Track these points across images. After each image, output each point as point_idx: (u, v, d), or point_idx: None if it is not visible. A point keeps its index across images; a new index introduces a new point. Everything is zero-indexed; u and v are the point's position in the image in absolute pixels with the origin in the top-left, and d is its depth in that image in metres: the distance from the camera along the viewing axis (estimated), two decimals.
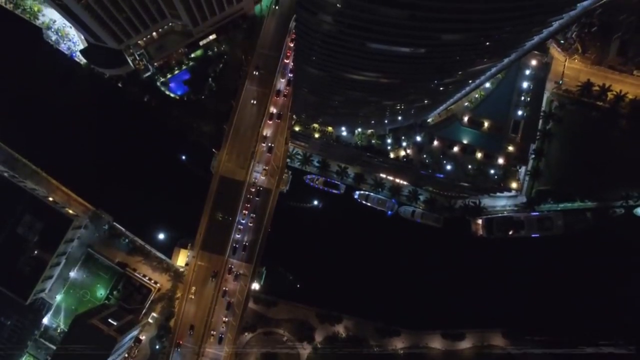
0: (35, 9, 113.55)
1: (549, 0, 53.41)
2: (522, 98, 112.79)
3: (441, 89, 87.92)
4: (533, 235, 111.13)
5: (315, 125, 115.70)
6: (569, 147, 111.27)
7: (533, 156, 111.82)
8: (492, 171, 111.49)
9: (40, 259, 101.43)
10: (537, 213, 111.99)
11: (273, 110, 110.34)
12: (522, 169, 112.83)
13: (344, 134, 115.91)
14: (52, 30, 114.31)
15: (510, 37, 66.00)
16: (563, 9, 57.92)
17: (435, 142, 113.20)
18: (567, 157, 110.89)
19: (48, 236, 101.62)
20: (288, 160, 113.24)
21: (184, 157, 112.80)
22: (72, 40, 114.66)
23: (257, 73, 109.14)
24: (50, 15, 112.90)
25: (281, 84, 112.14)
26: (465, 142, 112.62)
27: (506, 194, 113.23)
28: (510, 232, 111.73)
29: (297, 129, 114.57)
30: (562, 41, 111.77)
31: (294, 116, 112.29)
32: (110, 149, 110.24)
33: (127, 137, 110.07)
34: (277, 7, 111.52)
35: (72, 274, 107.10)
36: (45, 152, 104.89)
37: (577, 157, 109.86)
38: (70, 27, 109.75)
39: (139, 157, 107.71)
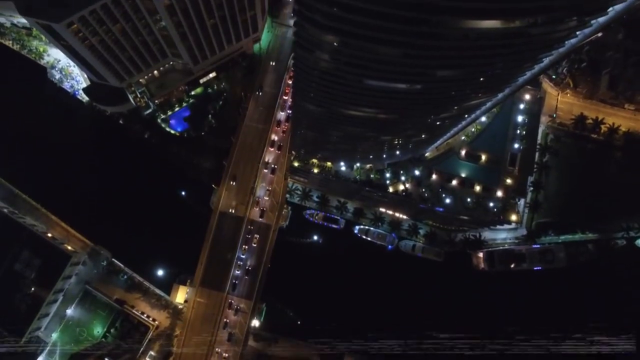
0: (41, 49, 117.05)
1: (538, 38, 55.07)
2: (518, 131, 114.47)
3: (438, 123, 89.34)
4: (535, 268, 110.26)
5: (314, 161, 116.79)
6: (567, 179, 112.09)
7: (531, 188, 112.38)
8: (491, 204, 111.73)
9: (37, 296, 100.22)
10: (538, 245, 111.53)
11: (272, 147, 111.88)
12: (521, 202, 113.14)
13: (343, 168, 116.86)
14: (56, 69, 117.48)
15: (503, 72, 67.74)
16: (552, 46, 59.68)
17: (434, 176, 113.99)
18: (565, 189, 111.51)
19: (46, 273, 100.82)
20: (287, 195, 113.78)
21: (183, 193, 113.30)
22: (75, 78, 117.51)
23: (256, 110, 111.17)
24: (55, 55, 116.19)
25: (280, 120, 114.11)
26: (463, 175, 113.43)
27: (506, 226, 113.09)
28: (512, 265, 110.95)
29: (296, 164, 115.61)
30: (553, 76, 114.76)
31: (293, 152, 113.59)
32: (111, 185, 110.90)
33: (127, 173, 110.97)
34: (275, 46, 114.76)
35: (69, 312, 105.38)
36: (45, 188, 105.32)
37: (575, 189, 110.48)
38: (74, 66, 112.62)
39: (139, 193, 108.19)
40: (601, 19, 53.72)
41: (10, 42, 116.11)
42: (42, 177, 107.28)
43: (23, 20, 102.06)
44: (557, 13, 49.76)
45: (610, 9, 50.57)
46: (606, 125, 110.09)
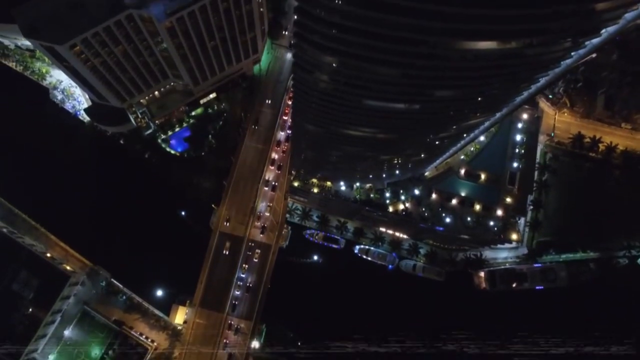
0: (44, 70, 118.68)
1: (534, 58, 56.05)
2: (517, 150, 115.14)
3: (437, 143, 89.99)
4: (537, 288, 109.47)
5: (314, 180, 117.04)
6: (566, 198, 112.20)
7: (531, 207, 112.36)
8: (491, 223, 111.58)
9: (34, 316, 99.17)
10: (539, 264, 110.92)
11: (272, 165, 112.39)
12: (522, 220, 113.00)
13: (343, 188, 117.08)
14: (59, 90, 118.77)
15: (501, 92, 68.64)
16: (548, 66, 60.67)
17: (434, 195, 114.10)
18: (565, 208, 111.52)
19: (44, 293, 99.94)
20: (287, 215, 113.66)
21: (183, 213, 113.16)
22: (77, 99, 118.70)
23: (256, 130, 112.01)
24: (58, 76, 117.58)
25: (280, 140, 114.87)
26: (463, 194, 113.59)
27: (507, 245, 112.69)
28: (514, 285, 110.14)
29: (295, 184, 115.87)
30: (550, 96, 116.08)
31: (293, 172, 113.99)
32: (110, 204, 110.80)
33: (127, 193, 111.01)
34: (275, 67, 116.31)
35: (67, 333, 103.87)
36: (45, 207, 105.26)
37: (575, 208, 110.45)
38: (76, 87, 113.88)
39: (139, 213, 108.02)
40: (595, 40, 54.77)
41: (14, 63, 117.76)
42: (42, 196, 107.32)
43: (27, 43, 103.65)
44: (552, 34, 50.73)
45: (604, 30, 51.52)
46: (604, 144, 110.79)
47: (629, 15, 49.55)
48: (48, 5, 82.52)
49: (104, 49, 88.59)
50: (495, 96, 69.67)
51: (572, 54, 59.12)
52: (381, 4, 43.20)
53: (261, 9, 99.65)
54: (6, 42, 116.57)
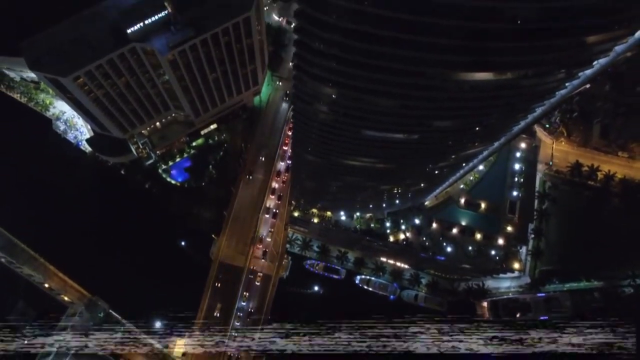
0: (47, 102, 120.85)
1: (530, 89, 57.18)
2: (516, 179, 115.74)
3: (436, 172, 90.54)
4: (541, 318, 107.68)
5: (314, 211, 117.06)
6: (567, 226, 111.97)
7: (532, 236, 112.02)
8: (492, 252, 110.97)
9: (30, 348, 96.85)
10: (543, 294, 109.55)
11: (272, 196, 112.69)
12: (523, 249, 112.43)
13: (343, 218, 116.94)
14: (61, 121, 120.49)
15: (498, 122, 69.59)
16: (543, 97, 61.76)
17: (434, 225, 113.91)
18: (567, 236, 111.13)
19: (41, 324, 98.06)
20: (287, 245, 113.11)
21: (183, 243, 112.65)
22: (79, 130, 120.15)
23: (256, 161, 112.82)
24: (61, 107, 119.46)
25: (280, 170, 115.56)
26: (463, 223, 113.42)
27: (509, 274, 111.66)
28: (517, 315, 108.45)
29: (296, 214, 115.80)
30: (547, 125, 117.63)
31: (293, 202, 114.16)
32: (111, 234, 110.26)
33: (128, 223, 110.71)
34: (275, 98, 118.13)
35: None
36: (45, 237, 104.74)
37: (576, 236, 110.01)
38: (78, 118, 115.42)
39: (139, 243, 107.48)
40: (588, 72, 55.96)
41: (19, 95, 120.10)
42: (42, 225, 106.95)
43: (32, 75, 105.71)
44: (546, 66, 51.94)
45: (595, 62, 52.76)
46: (602, 172, 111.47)
47: (619, 48, 50.88)
48: (54, 39, 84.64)
49: (107, 81, 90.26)
50: (493, 126, 70.59)
51: (567, 84, 60.29)
52: (378, 37, 44.52)
53: (262, 42, 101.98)
54: (12, 74, 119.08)
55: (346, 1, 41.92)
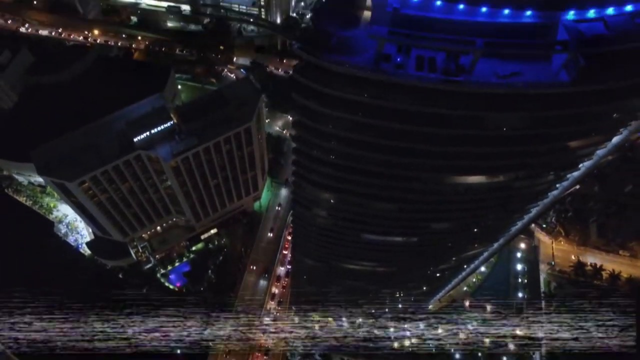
0: (52, 205, 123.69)
1: (522, 190, 58.82)
2: (519, 280, 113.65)
3: (438, 275, 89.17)
4: None
5: (315, 316, 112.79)
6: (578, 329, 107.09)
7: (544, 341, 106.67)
8: (504, 358, 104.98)
9: None
10: None
11: (272, 302, 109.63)
12: (536, 355, 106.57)
13: (345, 324, 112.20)
14: (63, 224, 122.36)
15: (495, 223, 70.29)
16: (537, 198, 63.25)
17: (439, 329, 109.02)
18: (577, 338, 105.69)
19: None
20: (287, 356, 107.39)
21: (179, 352, 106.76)
22: (80, 233, 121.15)
23: (255, 266, 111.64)
24: (64, 211, 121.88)
25: (280, 275, 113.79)
26: (470, 327, 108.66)
27: None
28: None
29: (296, 320, 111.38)
30: (544, 225, 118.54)
31: (293, 307, 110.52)
32: (106, 338, 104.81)
33: (124, 328, 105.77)
34: (275, 204, 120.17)
35: None
36: (41, 343, 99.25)
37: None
38: (80, 221, 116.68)
39: (137, 349, 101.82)
40: (575, 174, 57.97)
41: (25, 198, 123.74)
42: (36, 329, 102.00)
43: (39, 179, 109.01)
44: (534, 169, 54.07)
45: (581, 165, 55.02)
46: (606, 271, 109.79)
47: (600, 152, 53.43)
48: (64, 146, 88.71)
49: (112, 186, 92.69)
50: (491, 226, 71.16)
51: (557, 186, 62.16)
52: (373, 144, 46.90)
53: (262, 150, 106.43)
54: (20, 178, 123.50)
55: (341, 112, 44.83)
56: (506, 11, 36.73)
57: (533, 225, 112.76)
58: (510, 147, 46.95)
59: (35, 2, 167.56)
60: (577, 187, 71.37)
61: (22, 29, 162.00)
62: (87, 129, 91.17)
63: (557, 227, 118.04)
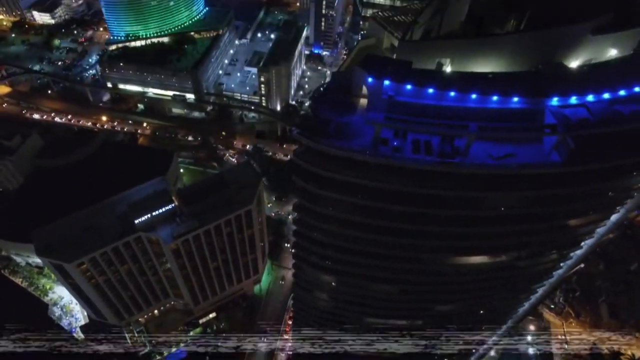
0: (48, 287, 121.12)
1: (526, 270, 58.08)
2: None
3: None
4: None
5: None
6: None
7: None
8: None
9: None
10: None
11: None
12: None
13: None
14: (58, 306, 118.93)
15: (501, 304, 68.53)
16: (542, 277, 62.28)
17: None
18: None
19: None
20: None
21: None
22: (74, 316, 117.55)
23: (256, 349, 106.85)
24: (60, 293, 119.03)
25: None
26: None
27: None
28: None
29: None
30: (552, 306, 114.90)
31: None
32: None
33: None
34: (275, 287, 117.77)
35: None
36: None
37: None
38: (76, 304, 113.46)
39: None
40: (578, 252, 57.63)
41: (21, 279, 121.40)
42: None
43: (37, 260, 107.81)
44: (536, 247, 53.85)
45: (583, 243, 54.91)
46: (626, 356, 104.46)
47: (600, 230, 53.57)
48: (64, 228, 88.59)
49: (110, 268, 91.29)
50: (497, 308, 69.27)
51: (561, 264, 61.49)
52: (373, 226, 47.17)
53: (262, 233, 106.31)
54: (18, 259, 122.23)
55: (341, 194, 45.61)
56: (495, 97, 38.77)
57: (541, 306, 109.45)
58: (509, 226, 47.18)
59: (49, 92, 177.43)
60: (582, 265, 70.65)
61: (36, 116, 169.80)
62: (89, 211, 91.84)
63: (566, 308, 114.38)
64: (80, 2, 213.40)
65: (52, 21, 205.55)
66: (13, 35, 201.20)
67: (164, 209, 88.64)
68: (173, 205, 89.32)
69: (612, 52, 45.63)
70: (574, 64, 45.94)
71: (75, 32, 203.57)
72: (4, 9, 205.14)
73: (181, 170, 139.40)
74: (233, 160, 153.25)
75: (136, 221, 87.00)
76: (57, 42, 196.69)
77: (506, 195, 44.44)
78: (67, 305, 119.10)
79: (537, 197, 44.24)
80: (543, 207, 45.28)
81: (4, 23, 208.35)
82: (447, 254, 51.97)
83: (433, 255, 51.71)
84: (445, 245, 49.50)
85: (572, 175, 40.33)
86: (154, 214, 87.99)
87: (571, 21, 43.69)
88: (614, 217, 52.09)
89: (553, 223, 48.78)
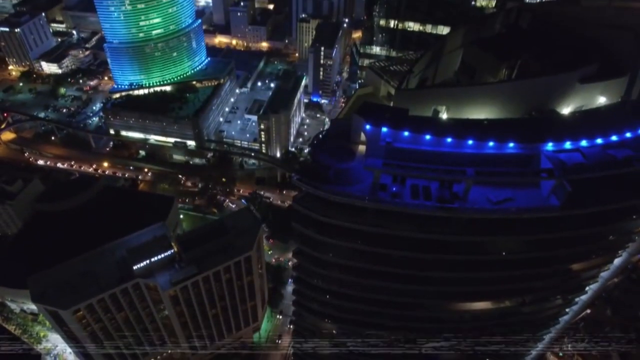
0: (41, 334, 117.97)
1: (531, 316, 57.09)
2: None
3: None
4: None
5: None
6: None
7: None
8: None
9: None
10: None
11: None
12: None
13: None
14: (51, 355, 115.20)
15: (507, 352, 66.69)
16: (548, 323, 61.13)
17: None
18: None
19: None
20: None
21: None
22: None
23: None
24: (53, 341, 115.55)
25: None
26: None
27: None
28: None
29: None
30: (560, 354, 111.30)
31: None
32: None
33: None
34: (275, 335, 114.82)
35: None
36: None
37: None
38: (70, 353, 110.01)
39: None
40: (583, 297, 56.83)
41: (14, 326, 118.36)
42: None
43: (32, 307, 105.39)
44: (541, 293, 53.14)
45: (587, 288, 54.27)
46: None
47: (604, 274, 53.07)
48: (61, 273, 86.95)
49: (107, 315, 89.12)
50: (503, 356, 67.34)
51: (567, 310, 60.46)
52: (374, 272, 46.74)
53: (262, 279, 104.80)
54: (13, 305, 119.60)
55: (341, 240, 45.47)
56: (491, 143, 39.54)
57: (549, 354, 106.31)
58: (511, 270, 46.83)
59: (53, 138, 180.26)
60: (588, 311, 69.47)
61: (40, 162, 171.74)
62: (86, 257, 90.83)
63: (575, 356, 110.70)
64: (87, 53, 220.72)
65: (60, 71, 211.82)
66: (21, 84, 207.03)
67: (163, 255, 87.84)
68: (172, 251, 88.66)
69: (601, 100, 47.07)
70: (565, 110, 47.25)
71: (81, 81, 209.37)
72: (14, 59, 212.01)
73: (181, 216, 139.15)
74: (233, 206, 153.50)
75: (135, 267, 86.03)
76: (62, 90, 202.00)
77: (507, 239, 44.44)
78: (61, 355, 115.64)
79: (537, 241, 44.20)
80: (544, 251, 45.16)
81: (14, 73, 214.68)
82: (450, 299, 51.26)
83: (435, 301, 50.96)
84: (448, 290, 48.90)
85: (571, 218, 40.52)
86: (152, 259, 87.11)
87: (559, 71, 45.35)
88: (617, 261, 51.79)
89: (556, 267, 48.47)
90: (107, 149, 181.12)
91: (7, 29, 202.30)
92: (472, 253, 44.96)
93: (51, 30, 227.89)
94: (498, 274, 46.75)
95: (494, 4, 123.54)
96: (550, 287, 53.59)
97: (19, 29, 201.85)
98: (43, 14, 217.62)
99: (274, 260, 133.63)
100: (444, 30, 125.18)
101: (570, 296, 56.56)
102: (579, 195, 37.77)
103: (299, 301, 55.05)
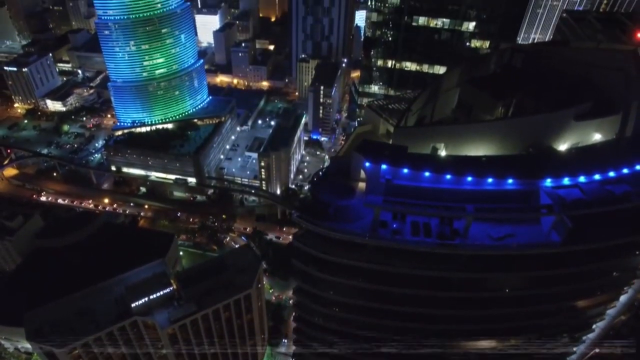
0: None
1: (539, 356, 55.77)
2: None
3: None
4: None
5: None
6: None
7: None
8: None
9: None
10: None
11: None
12: None
13: None
14: None
15: None
16: None
17: None
18: None
19: None
20: None
21: None
22: None
23: None
24: None
25: None
26: None
27: None
28: None
29: None
30: None
31: None
32: None
33: None
34: None
35: None
36: None
37: None
38: None
39: None
40: (590, 335, 55.85)
41: None
42: None
43: (27, 345, 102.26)
44: (547, 331, 52.18)
45: (594, 326, 53.42)
46: None
47: (611, 312, 52.34)
48: (58, 311, 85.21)
49: (102, 355, 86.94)
50: None
51: (574, 349, 59.19)
52: (376, 310, 46.15)
53: (261, 318, 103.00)
54: (7, 344, 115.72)
55: (341, 277, 45.11)
56: (490, 179, 39.90)
57: None
58: (515, 308, 46.27)
59: (54, 174, 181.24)
60: (597, 350, 68.03)
61: (43, 198, 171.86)
62: (84, 293, 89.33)
63: None
64: (92, 91, 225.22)
65: (64, 108, 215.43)
66: (26, 121, 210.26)
67: (161, 292, 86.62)
68: (171, 288, 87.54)
69: (597, 137, 47.83)
70: (562, 147, 47.91)
71: (84, 118, 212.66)
72: (21, 97, 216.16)
73: (181, 253, 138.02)
74: (233, 243, 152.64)
75: (133, 304, 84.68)
76: (66, 127, 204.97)
77: (509, 275, 44.05)
78: None
79: (540, 277, 43.86)
80: (547, 288, 44.77)
81: (19, 110, 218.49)
82: (453, 337, 50.24)
83: (438, 340, 49.92)
84: (450, 328, 48.12)
85: (573, 254, 40.39)
86: (151, 297, 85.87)
87: (554, 108, 46.32)
88: (623, 298, 51.20)
89: (560, 304, 47.87)
90: (108, 185, 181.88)
91: (15, 69, 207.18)
92: (474, 290, 44.57)
93: (57, 70, 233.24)
94: (501, 311, 46.16)
95: (487, 44, 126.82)
96: (556, 325, 52.71)
97: (26, 69, 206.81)
98: (50, 55, 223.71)
99: (274, 298, 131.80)
100: (440, 69, 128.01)
101: (577, 334, 55.55)
102: (579, 231, 37.79)
103: (299, 339, 54.04)
